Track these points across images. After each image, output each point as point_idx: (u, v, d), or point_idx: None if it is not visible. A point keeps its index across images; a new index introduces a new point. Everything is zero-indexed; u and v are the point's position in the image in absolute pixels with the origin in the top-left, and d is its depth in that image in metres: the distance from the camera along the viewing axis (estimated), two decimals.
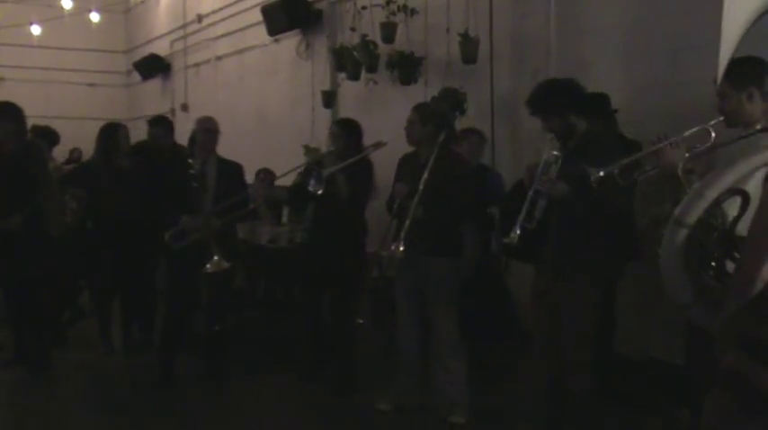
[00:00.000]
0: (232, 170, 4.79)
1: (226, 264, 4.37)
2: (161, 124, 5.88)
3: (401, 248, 3.80)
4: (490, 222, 4.74)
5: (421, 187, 3.86)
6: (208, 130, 4.74)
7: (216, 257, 4.34)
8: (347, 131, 4.58)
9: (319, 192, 4.19)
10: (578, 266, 3.31)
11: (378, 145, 4.34)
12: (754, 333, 1.84)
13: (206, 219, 4.45)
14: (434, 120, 4.09)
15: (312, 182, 4.20)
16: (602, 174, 2.87)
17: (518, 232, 3.24)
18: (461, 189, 3.94)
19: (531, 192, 3.28)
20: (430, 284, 3.99)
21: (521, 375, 4.50)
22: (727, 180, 2.23)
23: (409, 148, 4.20)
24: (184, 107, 10.25)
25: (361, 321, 4.09)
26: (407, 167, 4.15)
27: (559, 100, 3.38)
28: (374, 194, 4.57)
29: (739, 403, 1.85)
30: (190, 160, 4.56)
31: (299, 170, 4.94)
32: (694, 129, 2.73)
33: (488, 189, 4.79)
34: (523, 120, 4.86)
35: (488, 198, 4.70)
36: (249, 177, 6.62)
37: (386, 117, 6.28)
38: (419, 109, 4.18)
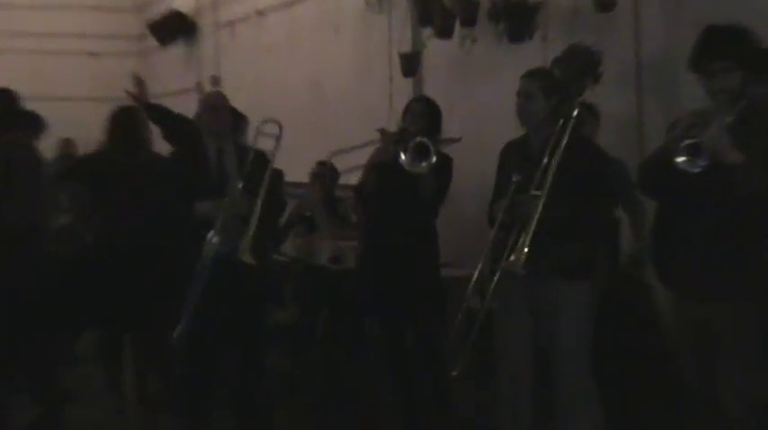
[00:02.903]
0: (257, 159, 4.71)
1: (251, 259, 4.41)
2: None
3: (522, 264, 3.76)
4: (616, 229, 4.75)
5: (548, 184, 3.82)
6: (215, 108, 4.70)
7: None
8: (431, 111, 4.71)
9: (420, 170, 4.26)
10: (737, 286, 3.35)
11: (451, 140, 4.43)
12: None
13: (232, 201, 4.44)
14: (560, 91, 4.15)
15: (407, 156, 4.27)
16: None
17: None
18: (603, 187, 3.97)
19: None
20: (556, 315, 4.00)
21: None
22: None
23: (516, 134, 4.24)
24: (216, 80, 10.55)
25: (454, 373, 4.12)
26: (515, 159, 4.19)
27: (743, 48, 3.38)
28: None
29: None
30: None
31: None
32: None
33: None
34: (682, 88, 4.83)
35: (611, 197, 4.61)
36: (304, 174, 6.81)
37: (489, 88, 6.35)
38: (539, 77, 4.20)
